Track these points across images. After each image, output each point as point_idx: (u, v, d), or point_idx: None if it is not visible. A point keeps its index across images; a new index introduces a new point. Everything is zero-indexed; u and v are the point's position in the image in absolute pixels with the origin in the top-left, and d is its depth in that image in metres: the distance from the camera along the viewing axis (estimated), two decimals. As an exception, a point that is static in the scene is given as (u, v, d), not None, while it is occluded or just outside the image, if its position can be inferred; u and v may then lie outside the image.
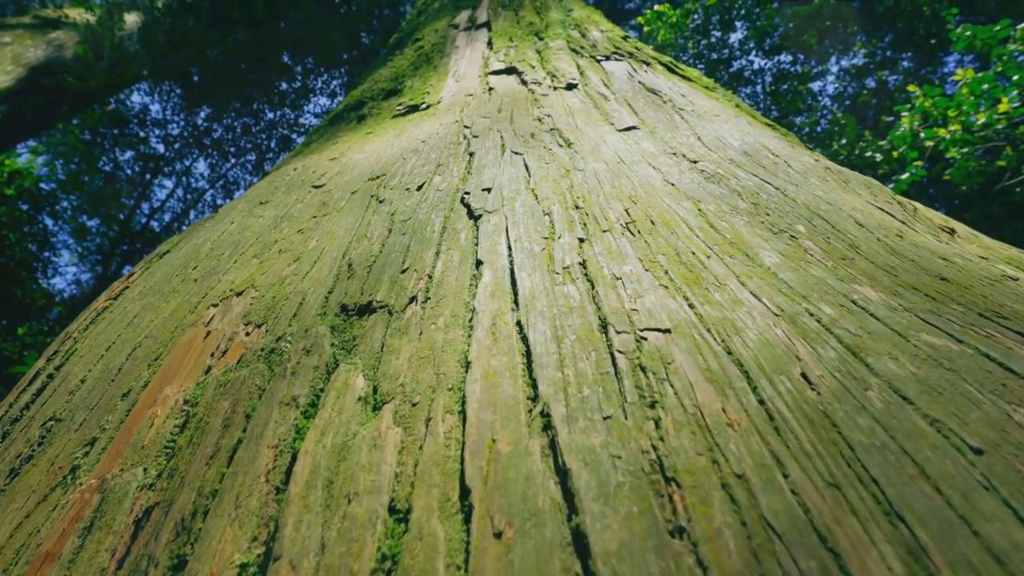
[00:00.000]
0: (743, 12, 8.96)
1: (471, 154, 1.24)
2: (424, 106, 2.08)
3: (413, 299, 0.71)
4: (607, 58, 2.11)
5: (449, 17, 3.37)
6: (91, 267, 12.58)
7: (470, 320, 0.64)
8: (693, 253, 0.75)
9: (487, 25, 2.96)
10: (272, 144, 10.97)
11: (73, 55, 8.73)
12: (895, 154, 5.32)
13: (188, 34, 9.37)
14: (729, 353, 0.54)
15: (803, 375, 0.50)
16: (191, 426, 0.69)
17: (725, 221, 0.88)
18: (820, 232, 0.86)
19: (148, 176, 11.56)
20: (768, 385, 0.49)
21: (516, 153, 1.20)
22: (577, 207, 0.88)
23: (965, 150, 5.35)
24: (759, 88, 9.55)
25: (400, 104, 2.24)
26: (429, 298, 0.70)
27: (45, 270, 10.46)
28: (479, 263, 0.74)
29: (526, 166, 1.10)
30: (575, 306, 0.62)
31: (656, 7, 8.68)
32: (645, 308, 0.61)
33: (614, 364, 0.53)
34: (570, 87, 1.79)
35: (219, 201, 12.22)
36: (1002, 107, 4.81)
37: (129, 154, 11.59)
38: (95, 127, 11.10)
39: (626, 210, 0.88)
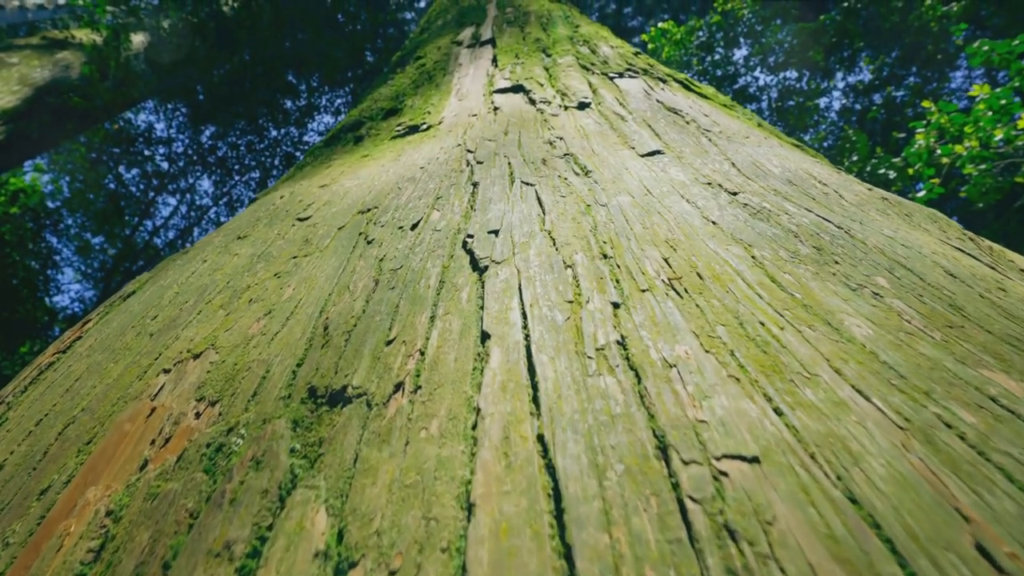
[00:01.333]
0: (747, 30, 8.90)
1: (475, 184, 1.08)
2: (424, 127, 1.93)
3: (399, 387, 0.54)
4: (620, 75, 1.96)
5: (452, 34, 3.25)
6: (95, 284, 12.52)
7: (473, 427, 0.47)
8: (761, 323, 0.58)
9: (491, 42, 2.83)
10: (276, 162, 10.93)
11: (79, 75, 8.72)
12: (910, 171, 5.16)
13: (194, 54, 9.38)
14: (854, 502, 0.36)
15: (980, 549, 0.33)
16: (104, 559, 0.52)
17: (788, 272, 0.71)
18: (907, 287, 0.69)
19: (152, 194, 11.53)
20: (932, 571, 0.32)
21: (527, 184, 1.04)
22: (605, 255, 0.72)
23: (983, 166, 5.19)
24: (764, 104, 9.46)
25: (399, 125, 2.10)
26: (420, 387, 0.53)
27: (47, 288, 10.38)
28: (485, 336, 0.57)
29: (539, 200, 0.94)
30: (618, 413, 0.45)
31: (660, 24, 8.63)
32: (716, 417, 0.44)
33: (686, 523, 0.35)
34: (582, 106, 1.64)
35: (222, 218, 12.17)
36: (1021, 123, 4.65)
37: (134, 172, 11.58)
38: (101, 145, 11.10)
39: (665, 259, 0.71)
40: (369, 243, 0.93)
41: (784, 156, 1.27)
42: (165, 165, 11.27)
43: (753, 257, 0.74)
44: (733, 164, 1.17)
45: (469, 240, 0.80)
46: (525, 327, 0.57)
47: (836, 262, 0.75)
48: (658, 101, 1.70)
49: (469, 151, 1.34)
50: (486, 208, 0.93)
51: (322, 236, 1.07)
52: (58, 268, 10.42)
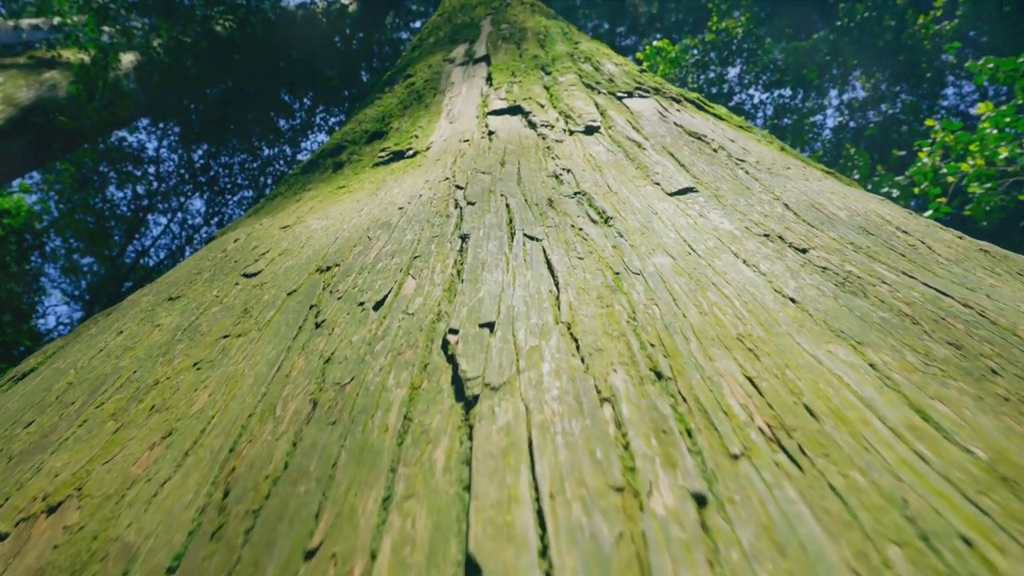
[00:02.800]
0: (742, 47, 8.83)
1: (463, 238, 0.83)
2: (410, 153, 1.69)
3: None
4: (629, 95, 1.73)
5: (444, 52, 3.03)
6: (83, 306, 12.19)
7: None
8: (964, 539, 0.32)
9: (486, 59, 2.61)
10: (269, 180, 10.70)
11: (67, 94, 8.49)
12: (916, 190, 4.98)
13: (186, 73, 9.19)
14: None
15: None
16: None
17: (938, 398, 0.45)
18: None
19: (142, 214, 11.26)
20: None
21: (531, 238, 0.79)
22: (658, 374, 0.46)
23: (988, 185, 5.02)
24: (760, 122, 9.37)
25: (383, 150, 1.85)
26: None
27: (30, 313, 10.02)
28: (472, 569, 0.32)
29: (549, 265, 0.69)
30: None
31: (655, 43, 8.53)
32: None
33: None
34: (590, 130, 1.40)
35: (214, 238, 11.87)
36: (1030, 141, 4.49)
37: (125, 191, 11.33)
38: (91, 164, 10.86)
39: (750, 379, 0.46)
40: (318, 326, 0.67)
41: (841, 193, 1.03)
42: (156, 184, 11.03)
43: (873, 367, 0.49)
44: (787, 206, 0.92)
45: (452, 338, 0.54)
46: (544, 554, 0.31)
47: (994, 371, 0.50)
48: (676, 124, 1.46)
49: (458, 186, 1.09)
50: (477, 277, 0.67)
51: (266, 305, 0.81)
52: (43, 291, 10.09)
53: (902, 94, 8.87)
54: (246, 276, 0.97)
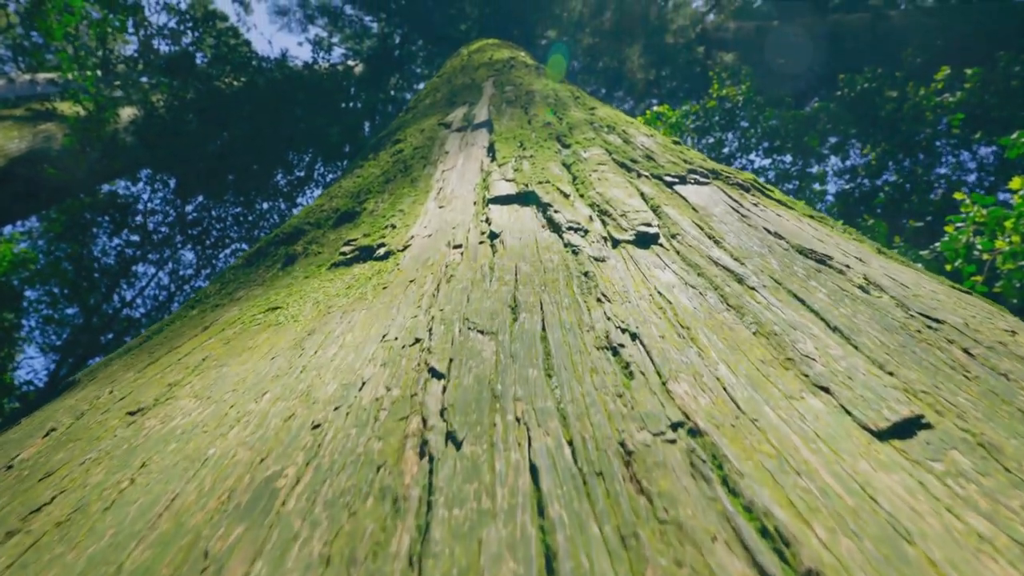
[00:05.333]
0: (742, 114, 8.71)
1: (426, 527, 0.29)
2: (380, 253, 1.19)
3: None
4: (681, 179, 1.25)
5: (440, 114, 2.61)
6: (64, 359, 11.48)
7: None
8: None
9: (487, 125, 2.18)
10: (262, 235, 10.30)
11: (60, 147, 8.19)
12: (948, 267, 4.54)
13: (186, 128, 8.96)
14: None
15: None
16: None
17: None
18: None
19: (130, 264, 10.78)
20: None
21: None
22: None
23: (1023, 263, 4.59)
24: (762, 187, 9.09)
25: (349, 242, 1.35)
26: None
27: (5, 365, 9.33)
28: None
29: None
30: None
31: (655, 107, 8.38)
32: None
33: None
34: (645, 241, 0.90)
35: (204, 290, 11.36)
36: (1071, 219, 4.10)
37: (115, 240, 10.91)
38: (82, 214, 10.49)
39: None
40: None
41: None
42: (147, 235, 10.62)
43: None
44: None
45: None
46: None
47: None
48: (767, 230, 0.97)
49: (434, 371, 0.57)
50: None
51: None
52: (15, 343, 9.43)
53: (905, 162, 8.69)
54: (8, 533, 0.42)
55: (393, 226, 1.35)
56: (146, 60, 8.89)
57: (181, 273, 12.02)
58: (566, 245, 0.91)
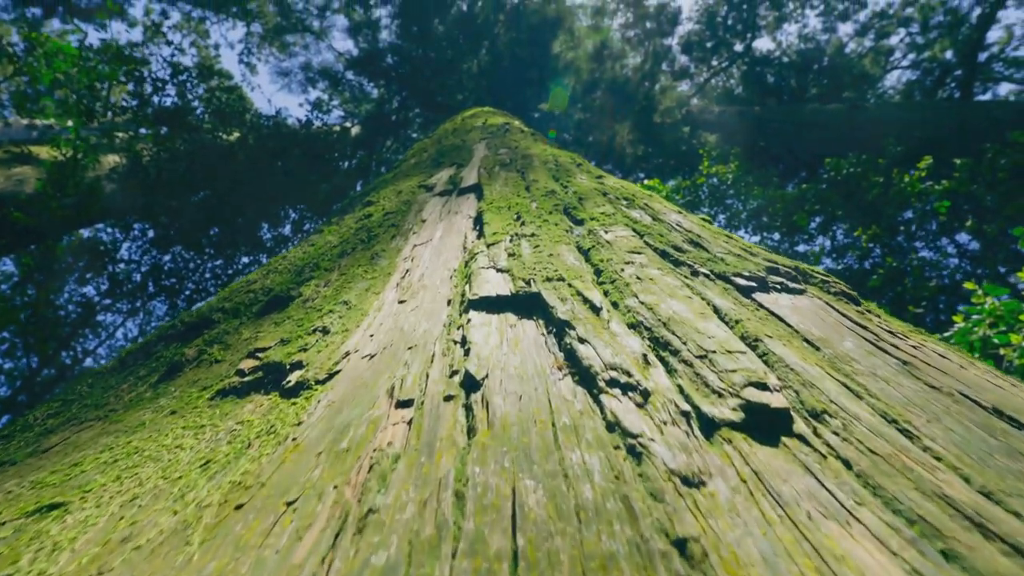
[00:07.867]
0: (731, 191, 8.68)
1: None
2: (290, 384, 0.71)
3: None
4: (761, 285, 0.82)
5: (422, 176, 2.21)
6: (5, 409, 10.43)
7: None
8: None
9: (476, 190, 1.77)
10: (239, 289, 9.71)
11: (32, 190, 7.74)
12: (965, 360, 4.16)
13: (169, 177, 8.60)
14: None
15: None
16: None
17: None
18: None
19: (96, 313, 10.06)
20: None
21: None
22: None
23: (1040, 358, 4.25)
24: (752, 262, 8.92)
25: (255, 354, 0.88)
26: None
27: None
28: None
29: None
30: None
31: (645, 182, 8.29)
32: None
33: None
34: (763, 424, 0.45)
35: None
36: (1094, 316, 3.81)
37: (84, 288, 10.24)
38: (50, 259, 9.86)
39: None
40: None
41: None
42: (117, 284, 9.98)
43: None
44: None
45: None
46: None
47: None
48: (941, 387, 0.53)
49: None
50: None
51: None
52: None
53: (893, 244, 8.62)
54: None
55: (326, 330, 0.89)
56: (135, 110, 8.66)
57: (153, 324, 11.29)
58: (611, 428, 0.45)
